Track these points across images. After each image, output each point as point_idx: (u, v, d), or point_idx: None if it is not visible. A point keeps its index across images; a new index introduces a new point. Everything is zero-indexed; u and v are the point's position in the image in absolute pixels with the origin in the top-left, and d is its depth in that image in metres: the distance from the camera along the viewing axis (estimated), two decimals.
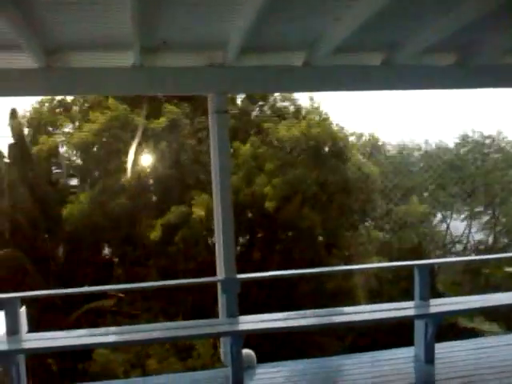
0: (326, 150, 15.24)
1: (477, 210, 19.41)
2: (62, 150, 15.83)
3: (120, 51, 4.78)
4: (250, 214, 15.04)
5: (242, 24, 4.21)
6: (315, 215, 14.51)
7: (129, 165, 13.92)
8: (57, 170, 15.49)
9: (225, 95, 5.43)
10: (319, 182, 14.72)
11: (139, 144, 14.30)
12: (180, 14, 4.17)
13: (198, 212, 13.50)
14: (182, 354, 13.14)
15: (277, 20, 4.29)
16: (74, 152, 15.86)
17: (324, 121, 15.89)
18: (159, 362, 12.78)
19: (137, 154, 14.25)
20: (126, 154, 14.11)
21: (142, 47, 4.57)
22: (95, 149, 14.94)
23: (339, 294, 14.19)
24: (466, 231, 19.65)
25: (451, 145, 20.11)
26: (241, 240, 15.51)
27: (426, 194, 18.83)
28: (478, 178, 18.60)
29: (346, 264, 14.60)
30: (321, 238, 15.32)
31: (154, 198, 15.67)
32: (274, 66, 5.26)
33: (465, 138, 19.74)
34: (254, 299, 13.39)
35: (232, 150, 14.39)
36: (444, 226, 19.78)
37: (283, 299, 13.65)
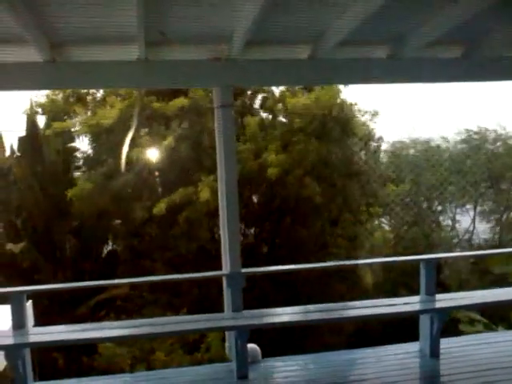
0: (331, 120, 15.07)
1: (482, 206, 19.36)
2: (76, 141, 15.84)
3: (125, 45, 4.76)
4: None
5: (246, 17, 4.19)
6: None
7: (124, 151, 13.81)
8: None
9: (230, 89, 5.42)
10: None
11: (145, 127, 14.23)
12: (185, 7, 4.16)
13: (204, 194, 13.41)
14: (189, 347, 13.16)
15: (282, 13, 4.27)
16: (87, 139, 15.83)
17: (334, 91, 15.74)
18: (165, 356, 12.81)
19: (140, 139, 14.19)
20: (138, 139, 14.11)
21: (147, 40, 4.56)
22: (108, 135, 14.86)
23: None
24: (471, 228, 19.58)
25: (455, 138, 20.00)
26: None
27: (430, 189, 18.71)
28: (482, 172, 18.52)
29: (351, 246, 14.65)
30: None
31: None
32: (278, 60, 5.24)
33: (468, 133, 19.65)
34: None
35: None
36: (450, 221, 19.73)
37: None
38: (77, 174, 15.55)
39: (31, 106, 14.90)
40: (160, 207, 13.34)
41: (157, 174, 14.92)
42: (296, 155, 14.11)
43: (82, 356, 13.21)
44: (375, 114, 16.45)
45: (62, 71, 4.97)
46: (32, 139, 14.73)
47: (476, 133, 19.42)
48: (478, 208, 19.27)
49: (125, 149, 13.27)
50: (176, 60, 5.10)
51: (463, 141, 19.56)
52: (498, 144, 19.22)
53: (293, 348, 12.79)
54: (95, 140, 15.15)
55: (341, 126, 14.89)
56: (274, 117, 15.53)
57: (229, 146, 5.39)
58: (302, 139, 14.35)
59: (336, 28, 4.58)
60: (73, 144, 15.65)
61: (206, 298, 13.29)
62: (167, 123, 14.46)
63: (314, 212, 14.74)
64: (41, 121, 15.31)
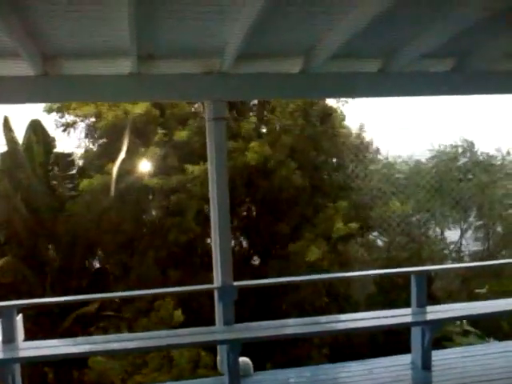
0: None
1: (470, 220, 19.44)
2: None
3: (117, 58, 4.77)
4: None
5: (238, 31, 4.22)
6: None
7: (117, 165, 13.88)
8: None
9: (221, 102, 5.44)
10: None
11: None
12: (177, 21, 4.17)
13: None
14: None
15: (273, 27, 4.30)
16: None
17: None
18: (156, 370, 12.73)
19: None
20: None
21: (139, 54, 4.57)
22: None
23: None
24: (460, 241, 19.63)
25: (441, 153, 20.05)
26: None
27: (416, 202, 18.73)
28: (468, 189, 18.60)
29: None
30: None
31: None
32: (270, 73, 5.27)
33: (452, 148, 19.73)
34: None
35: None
36: (439, 235, 19.78)
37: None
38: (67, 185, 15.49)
39: (5, 121, 14.69)
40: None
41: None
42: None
43: (72, 370, 13.11)
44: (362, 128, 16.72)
45: (55, 85, 4.96)
46: (12, 154, 14.59)
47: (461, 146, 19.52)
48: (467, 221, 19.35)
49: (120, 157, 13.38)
50: (168, 74, 5.11)
51: (449, 154, 19.63)
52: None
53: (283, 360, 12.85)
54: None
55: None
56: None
57: (220, 160, 5.39)
58: None
59: (327, 42, 4.62)
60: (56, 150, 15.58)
61: (199, 307, 13.36)
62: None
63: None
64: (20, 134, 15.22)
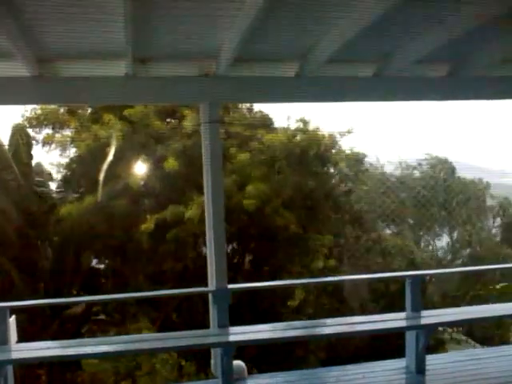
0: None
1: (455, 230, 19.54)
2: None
3: (113, 61, 4.77)
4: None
5: (234, 34, 4.22)
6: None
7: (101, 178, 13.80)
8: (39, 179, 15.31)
9: (217, 105, 5.44)
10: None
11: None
12: (173, 24, 4.18)
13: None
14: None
15: (269, 31, 4.31)
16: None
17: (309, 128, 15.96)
18: (149, 373, 12.69)
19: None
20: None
21: (135, 57, 4.57)
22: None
23: None
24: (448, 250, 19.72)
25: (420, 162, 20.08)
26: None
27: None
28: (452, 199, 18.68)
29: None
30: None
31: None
32: (266, 77, 5.28)
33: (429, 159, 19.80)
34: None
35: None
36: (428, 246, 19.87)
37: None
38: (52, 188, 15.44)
39: None
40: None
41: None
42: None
43: (65, 372, 13.05)
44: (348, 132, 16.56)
45: (49, 86, 4.96)
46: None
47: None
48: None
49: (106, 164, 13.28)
50: (164, 76, 5.11)
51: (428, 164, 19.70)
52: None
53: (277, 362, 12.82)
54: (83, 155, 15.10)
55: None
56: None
57: (215, 163, 5.39)
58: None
59: (323, 46, 4.63)
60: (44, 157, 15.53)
61: (192, 312, 13.29)
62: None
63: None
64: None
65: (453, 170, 19.13)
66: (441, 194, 18.40)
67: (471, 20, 4.11)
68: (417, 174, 19.61)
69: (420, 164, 19.58)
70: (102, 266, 15.65)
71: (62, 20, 3.96)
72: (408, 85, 5.63)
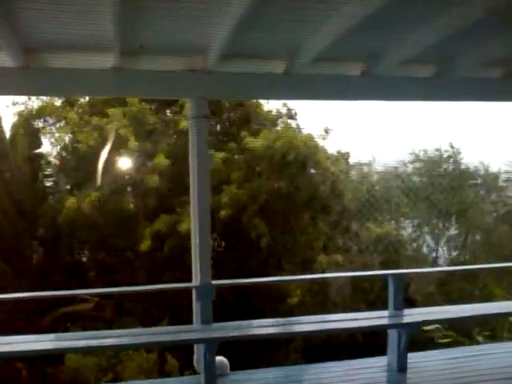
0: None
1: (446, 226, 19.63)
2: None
3: (100, 53, 4.73)
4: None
5: (223, 30, 4.21)
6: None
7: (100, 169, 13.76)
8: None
9: (204, 100, 5.42)
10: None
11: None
12: (161, 18, 4.16)
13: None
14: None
15: (258, 28, 4.30)
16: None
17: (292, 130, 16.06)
18: (132, 368, 12.66)
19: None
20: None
21: (123, 50, 4.54)
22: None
23: None
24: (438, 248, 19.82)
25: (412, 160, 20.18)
26: None
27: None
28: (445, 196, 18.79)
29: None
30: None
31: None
32: (254, 73, 5.27)
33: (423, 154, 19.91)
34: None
35: None
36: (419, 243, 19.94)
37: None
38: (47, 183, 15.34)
39: None
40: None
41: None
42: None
43: (46, 367, 12.95)
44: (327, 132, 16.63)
45: (36, 78, 4.91)
46: None
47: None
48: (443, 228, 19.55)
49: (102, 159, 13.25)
50: (151, 70, 5.09)
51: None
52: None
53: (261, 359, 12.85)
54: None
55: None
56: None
57: (202, 158, 5.38)
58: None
59: (311, 44, 4.63)
60: (40, 150, 15.41)
61: (180, 311, 13.27)
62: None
63: None
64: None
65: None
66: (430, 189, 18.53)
67: (458, 21, 4.14)
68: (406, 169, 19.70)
69: (409, 161, 19.71)
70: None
71: (49, 11, 3.91)
72: (395, 84, 5.65)
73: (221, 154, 14.89)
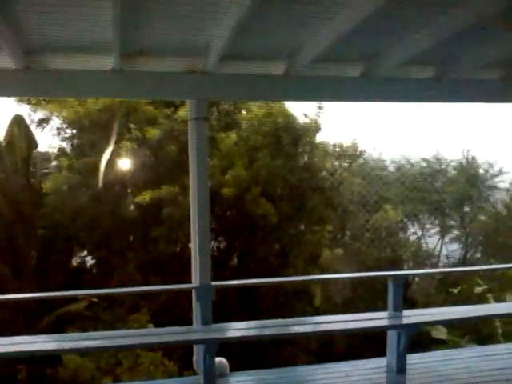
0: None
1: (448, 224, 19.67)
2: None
3: (100, 54, 4.73)
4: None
5: (222, 32, 4.22)
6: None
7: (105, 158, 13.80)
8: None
9: (204, 102, 5.43)
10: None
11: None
12: (161, 20, 4.16)
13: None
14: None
15: (258, 29, 4.31)
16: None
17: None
18: (131, 369, 12.65)
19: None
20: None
21: (122, 51, 4.54)
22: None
23: None
24: (438, 246, 19.83)
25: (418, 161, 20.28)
26: None
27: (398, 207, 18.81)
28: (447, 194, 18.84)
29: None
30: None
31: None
32: (254, 75, 5.27)
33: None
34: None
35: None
36: (418, 240, 19.95)
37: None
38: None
39: None
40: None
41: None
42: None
43: (45, 368, 12.94)
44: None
45: (36, 79, 4.90)
46: None
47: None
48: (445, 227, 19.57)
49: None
50: (151, 71, 5.08)
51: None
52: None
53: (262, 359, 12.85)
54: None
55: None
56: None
57: (201, 159, 5.38)
58: None
59: (310, 46, 4.64)
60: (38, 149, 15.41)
61: (175, 309, 13.29)
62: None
63: None
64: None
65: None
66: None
67: (458, 23, 4.15)
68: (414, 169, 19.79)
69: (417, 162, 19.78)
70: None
71: (49, 12, 3.92)
72: (395, 86, 5.65)
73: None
